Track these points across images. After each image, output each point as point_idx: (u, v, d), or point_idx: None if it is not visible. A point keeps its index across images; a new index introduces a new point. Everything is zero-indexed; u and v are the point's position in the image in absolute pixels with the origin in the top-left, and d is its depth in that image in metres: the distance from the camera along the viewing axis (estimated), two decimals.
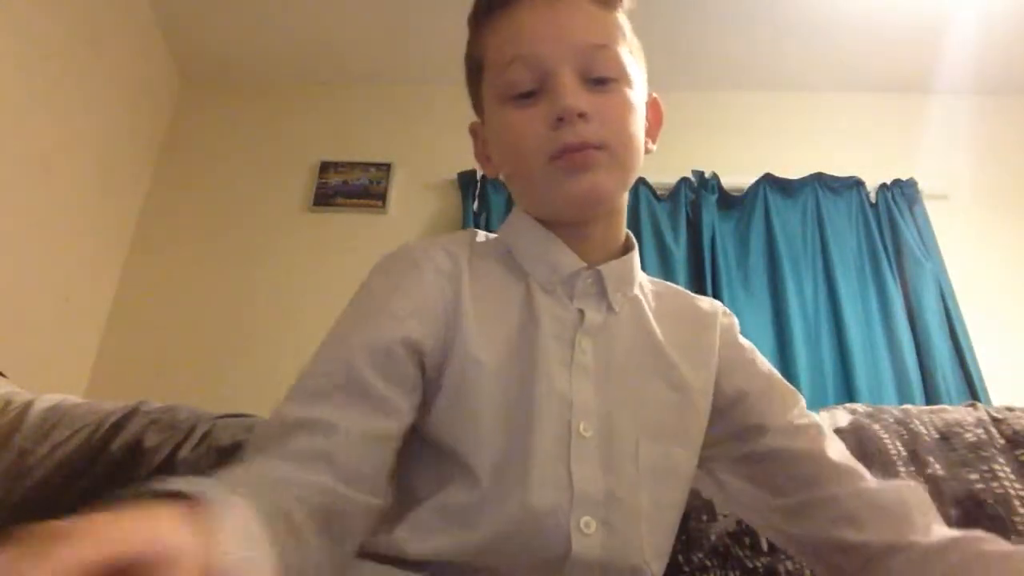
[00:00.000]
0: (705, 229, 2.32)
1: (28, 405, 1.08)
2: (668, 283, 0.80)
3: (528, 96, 0.66)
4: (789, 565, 0.86)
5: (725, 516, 0.89)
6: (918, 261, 2.28)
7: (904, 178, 2.45)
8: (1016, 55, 2.48)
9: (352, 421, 0.56)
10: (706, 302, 0.78)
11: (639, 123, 0.69)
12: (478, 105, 0.74)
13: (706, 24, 2.43)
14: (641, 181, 2.41)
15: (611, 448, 0.62)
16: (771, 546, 0.87)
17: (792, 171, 2.45)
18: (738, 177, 2.45)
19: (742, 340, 0.76)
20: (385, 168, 2.53)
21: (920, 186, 2.43)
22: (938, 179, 2.47)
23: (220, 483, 0.41)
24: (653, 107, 0.75)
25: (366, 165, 2.55)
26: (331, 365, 0.60)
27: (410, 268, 0.67)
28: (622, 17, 0.70)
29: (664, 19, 2.36)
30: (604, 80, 0.66)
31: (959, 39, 2.41)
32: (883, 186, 2.44)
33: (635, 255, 0.73)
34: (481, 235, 0.75)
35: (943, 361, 2.11)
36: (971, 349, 2.14)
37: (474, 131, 0.76)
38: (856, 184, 2.44)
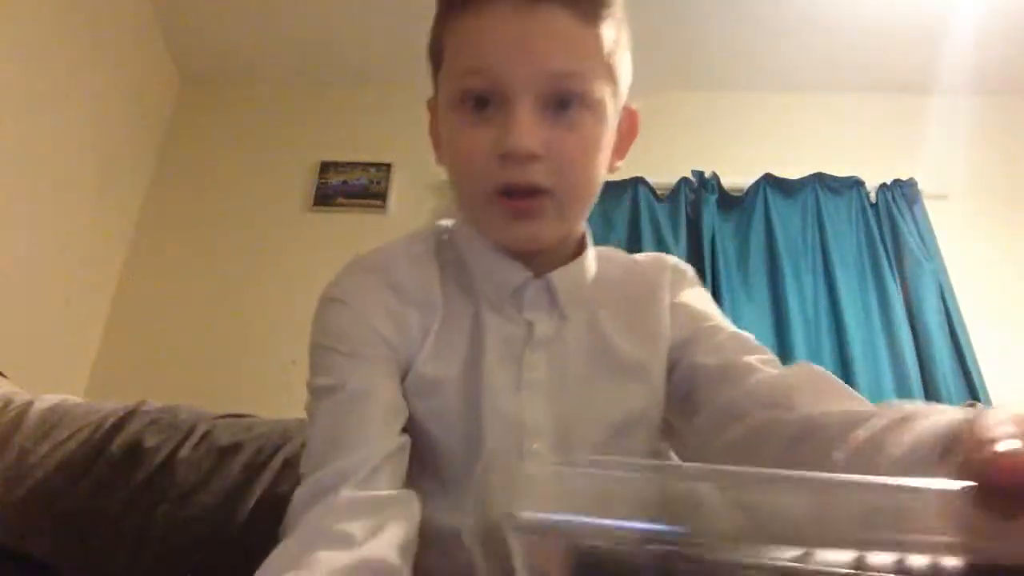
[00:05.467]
0: (705, 229, 2.32)
1: (28, 405, 1.08)
2: (612, 254, 0.76)
3: (483, 105, 0.60)
4: None
5: None
6: (918, 261, 2.28)
7: (904, 178, 2.45)
8: (1016, 55, 2.48)
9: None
10: (650, 264, 0.74)
11: (601, 160, 0.63)
12: (436, 84, 0.68)
13: (706, 24, 2.43)
14: (641, 181, 2.41)
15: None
16: None
17: (792, 171, 2.45)
18: (738, 177, 2.45)
19: (690, 293, 0.72)
20: (385, 168, 2.53)
21: (920, 186, 2.43)
22: (938, 179, 2.46)
23: None
24: (629, 119, 0.69)
25: (366, 165, 2.55)
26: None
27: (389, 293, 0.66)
28: (608, 28, 0.61)
29: (664, 19, 2.36)
30: (568, 105, 0.59)
31: (959, 39, 2.40)
32: (883, 186, 2.44)
33: (588, 255, 0.70)
34: (442, 236, 0.72)
35: (943, 361, 2.10)
36: (971, 349, 2.14)
37: (431, 108, 0.70)
38: (856, 184, 2.44)
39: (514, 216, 0.61)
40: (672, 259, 0.76)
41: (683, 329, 0.69)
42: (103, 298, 2.33)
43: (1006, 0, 2.29)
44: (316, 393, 0.62)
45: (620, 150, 0.69)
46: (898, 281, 2.26)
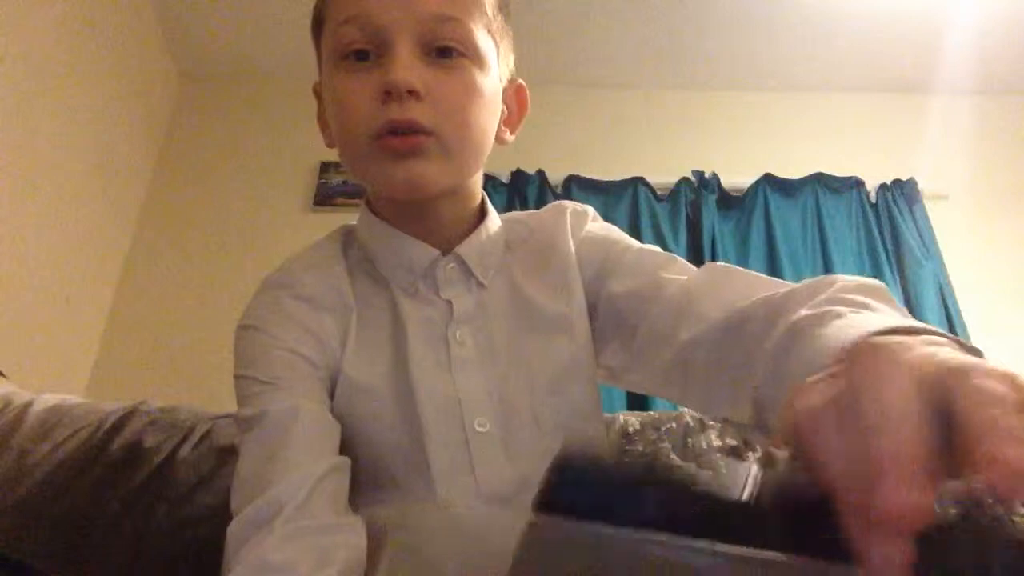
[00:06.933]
0: (705, 229, 2.32)
1: (28, 405, 1.08)
2: (515, 216, 0.76)
3: (363, 60, 0.60)
4: None
5: None
6: (918, 261, 2.28)
7: (904, 178, 2.45)
8: (1016, 55, 2.48)
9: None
10: (549, 215, 0.74)
11: (485, 109, 0.63)
12: (320, 63, 0.67)
13: (706, 24, 2.43)
14: (641, 181, 2.41)
15: (512, 429, 0.61)
16: None
17: (792, 171, 2.45)
18: (738, 177, 2.45)
19: (591, 228, 0.72)
20: None
21: (920, 186, 2.43)
22: (938, 179, 2.47)
23: None
24: (517, 94, 0.70)
25: None
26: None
27: (307, 308, 0.65)
28: None
29: (664, 19, 2.36)
30: (448, 53, 0.60)
31: (959, 39, 2.41)
32: (883, 186, 2.44)
33: (490, 220, 0.69)
34: (348, 235, 0.71)
35: None
36: None
37: (316, 92, 0.69)
38: (856, 184, 2.44)
39: (396, 156, 0.59)
40: (569, 203, 0.75)
41: (592, 264, 0.68)
42: (103, 298, 2.33)
43: (1006, 1, 2.29)
44: (241, 426, 0.60)
45: (511, 123, 0.69)
46: (898, 281, 2.26)
